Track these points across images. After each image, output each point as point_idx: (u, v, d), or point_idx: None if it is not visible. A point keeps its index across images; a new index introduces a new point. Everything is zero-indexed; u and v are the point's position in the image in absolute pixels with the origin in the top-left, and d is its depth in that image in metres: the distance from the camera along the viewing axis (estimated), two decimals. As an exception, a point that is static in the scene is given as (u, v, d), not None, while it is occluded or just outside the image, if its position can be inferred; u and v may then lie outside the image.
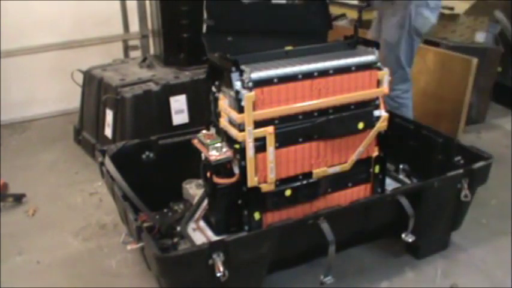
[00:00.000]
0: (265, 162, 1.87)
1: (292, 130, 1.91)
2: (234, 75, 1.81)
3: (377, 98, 2.05)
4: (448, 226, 2.26)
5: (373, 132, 2.05)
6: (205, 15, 2.03)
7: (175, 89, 3.00)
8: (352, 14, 3.87)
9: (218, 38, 1.91)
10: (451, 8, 3.46)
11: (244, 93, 1.78)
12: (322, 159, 2.00)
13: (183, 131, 2.47)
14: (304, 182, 1.98)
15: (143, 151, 2.36)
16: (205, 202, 2.11)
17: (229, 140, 1.93)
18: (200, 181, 2.22)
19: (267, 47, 2.01)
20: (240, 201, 1.93)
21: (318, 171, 2.00)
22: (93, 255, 2.34)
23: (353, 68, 1.97)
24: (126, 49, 3.99)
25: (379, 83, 2.04)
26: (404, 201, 2.02)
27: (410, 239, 2.05)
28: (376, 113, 2.05)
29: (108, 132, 3.02)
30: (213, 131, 2.06)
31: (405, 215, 2.01)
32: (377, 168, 2.14)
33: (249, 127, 1.81)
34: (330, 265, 1.87)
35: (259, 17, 2.15)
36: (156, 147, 2.37)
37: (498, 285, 2.12)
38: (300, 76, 1.88)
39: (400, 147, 2.50)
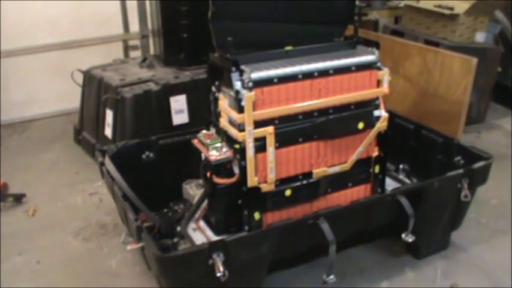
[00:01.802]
0: (265, 162, 1.87)
1: (292, 130, 1.91)
2: (234, 75, 1.81)
3: (377, 98, 2.06)
4: (448, 226, 2.26)
5: (373, 132, 2.05)
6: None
7: (175, 89, 2.99)
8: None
9: (225, 24, 1.87)
10: (451, 8, 3.45)
11: (244, 93, 1.78)
12: (322, 159, 2.00)
13: (183, 131, 2.48)
14: (304, 182, 1.98)
15: (143, 151, 2.36)
16: (205, 202, 2.12)
17: (229, 140, 1.93)
18: (200, 181, 2.22)
19: (275, 34, 1.97)
20: (240, 201, 1.93)
21: (318, 171, 2.00)
22: (93, 255, 2.34)
23: (353, 68, 1.97)
24: (126, 49, 3.99)
25: (379, 83, 2.04)
26: (404, 201, 2.02)
27: (410, 239, 2.05)
28: (376, 113, 2.05)
29: (108, 132, 3.02)
30: (213, 131, 2.06)
31: (405, 215, 2.01)
32: (377, 168, 2.14)
33: (249, 127, 1.80)
34: (331, 265, 1.87)
35: (269, 3, 2.02)
36: (156, 147, 2.37)
37: (498, 285, 2.12)
38: (300, 76, 1.88)
39: (400, 147, 2.50)
